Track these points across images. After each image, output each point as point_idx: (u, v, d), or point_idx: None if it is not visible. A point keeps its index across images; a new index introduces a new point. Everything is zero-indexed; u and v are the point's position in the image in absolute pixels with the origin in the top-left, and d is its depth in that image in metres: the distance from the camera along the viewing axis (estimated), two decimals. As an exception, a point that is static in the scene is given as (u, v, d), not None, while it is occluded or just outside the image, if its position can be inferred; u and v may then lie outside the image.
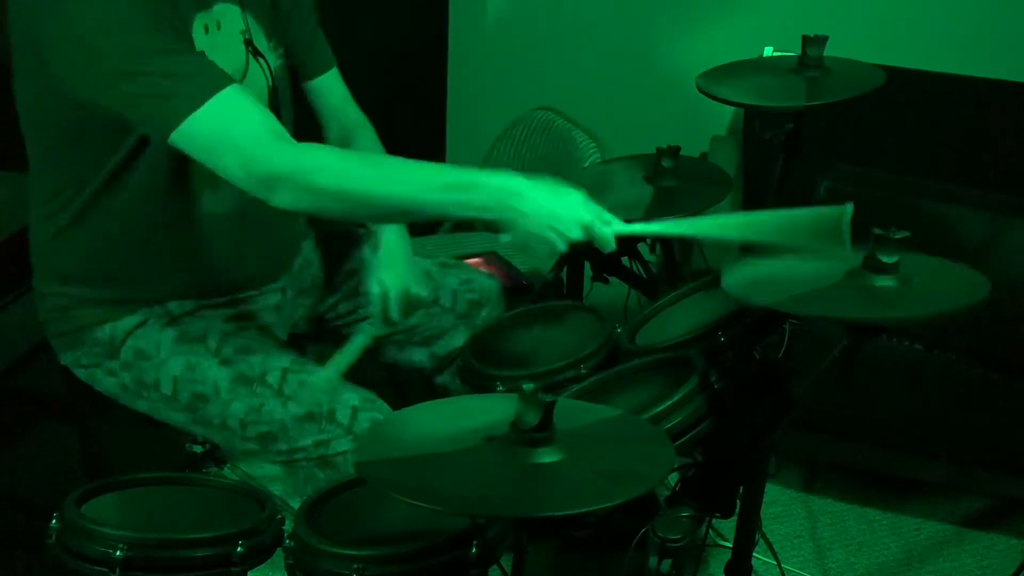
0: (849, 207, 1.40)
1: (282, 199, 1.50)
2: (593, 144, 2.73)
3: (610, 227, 1.49)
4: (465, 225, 3.21)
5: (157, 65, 1.50)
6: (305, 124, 1.97)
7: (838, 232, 1.39)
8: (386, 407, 1.74)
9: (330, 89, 1.97)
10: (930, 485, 2.60)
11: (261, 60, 1.78)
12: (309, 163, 1.50)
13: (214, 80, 1.51)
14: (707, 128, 2.98)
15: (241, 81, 1.74)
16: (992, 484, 2.51)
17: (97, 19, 1.49)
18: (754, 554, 1.78)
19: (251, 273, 1.87)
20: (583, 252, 2.25)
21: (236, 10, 1.75)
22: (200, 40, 1.68)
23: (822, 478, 2.67)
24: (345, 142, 1.92)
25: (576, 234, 1.46)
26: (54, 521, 1.44)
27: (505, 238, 1.49)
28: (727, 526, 1.89)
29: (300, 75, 1.95)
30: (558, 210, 1.46)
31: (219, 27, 1.72)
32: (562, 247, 1.46)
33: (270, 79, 1.81)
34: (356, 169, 1.53)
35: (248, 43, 1.76)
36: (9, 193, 1.64)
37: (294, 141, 1.54)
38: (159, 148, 1.67)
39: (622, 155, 2.10)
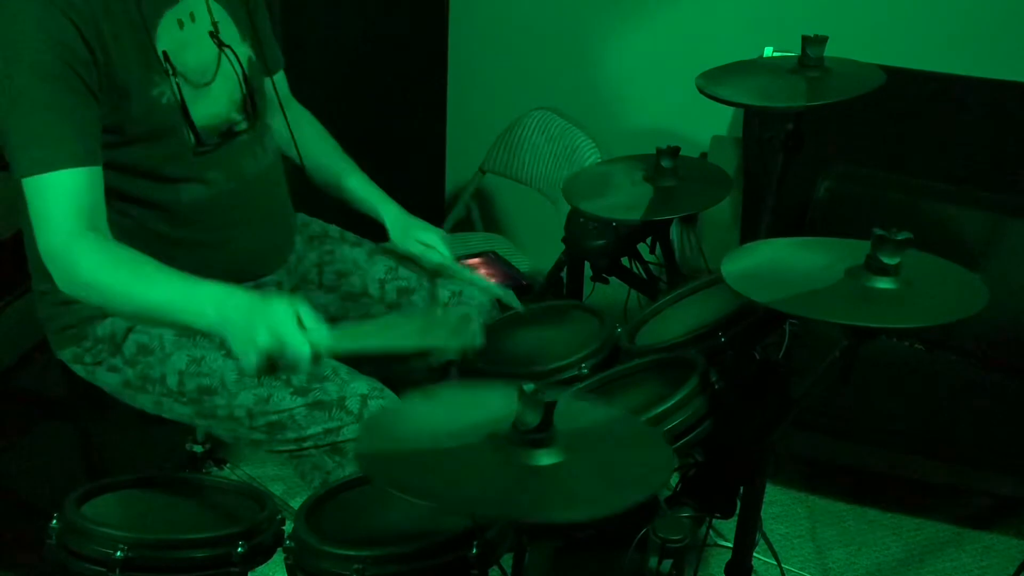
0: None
1: (60, 283, 1.60)
2: (593, 144, 2.73)
3: (307, 343, 1.47)
4: (465, 225, 3.22)
5: (28, 114, 1.57)
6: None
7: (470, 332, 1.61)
8: (395, 396, 1.74)
9: (279, 86, 2.02)
10: (930, 485, 2.60)
11: (229, 52, 1.80)
12: (84, 263, 1.57)
13: (54, 157, 1.57)
14: (707, 128, 2.98)
15: (214, 74, 1.77)
16: (992, 484, 2.51)
17: (10, 40, 1.56)
18: (754, 554, 1.79)
19: (243, 266, 1.86)
20: (583, 252, 2.25)
21: (203, 2, 1.77)
22: (174, 35, 1.70)
23: (822, 478, 2.67)
24: (299, 127, 2.00)
25: (264, 341, 1.45)
26: (54, 521, 1.44)
27: None
28: (727, 526, 1.89)
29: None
30: (252, 320, 1.48)
31: (193, 19, 1.75)
32: (252, 359, 1.46)
33: (240, 71, 1.82)
34: (119, 282, 1.57)
35: (213, 36, 1.78)
36: (9, 193, 1.64)
37: (92, 238, 1.58)
38: (143, 145, 1.69)
39: (622, 155, 2.10)
